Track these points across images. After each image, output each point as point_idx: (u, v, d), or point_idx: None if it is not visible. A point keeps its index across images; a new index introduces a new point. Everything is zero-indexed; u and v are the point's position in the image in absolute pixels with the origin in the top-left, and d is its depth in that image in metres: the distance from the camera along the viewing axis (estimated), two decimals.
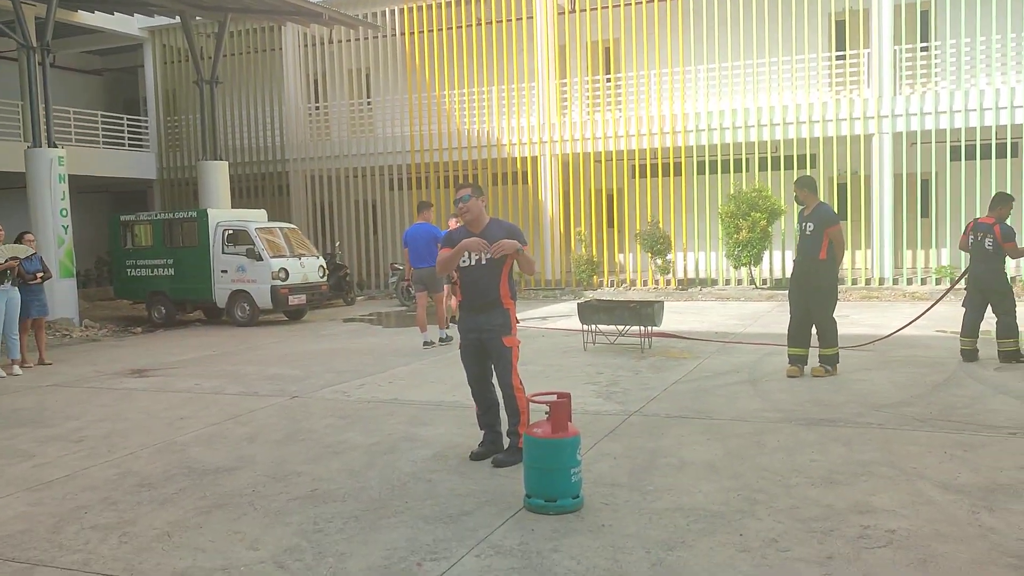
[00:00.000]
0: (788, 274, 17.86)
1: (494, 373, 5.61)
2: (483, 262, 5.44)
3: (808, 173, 17.74)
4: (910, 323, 10.28)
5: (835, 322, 8.28)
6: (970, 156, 16.71)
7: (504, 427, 5.67)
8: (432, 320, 11.29)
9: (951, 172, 17.57)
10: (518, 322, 5.65)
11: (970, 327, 8.77)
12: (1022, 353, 8.48)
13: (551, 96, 19.36)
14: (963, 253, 9.42)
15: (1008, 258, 8.82)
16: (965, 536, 4.05)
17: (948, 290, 10.50)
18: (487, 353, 5.56)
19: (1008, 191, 15.99)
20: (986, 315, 8.80)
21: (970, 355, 8.76)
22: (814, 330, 8.28)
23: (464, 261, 5.52)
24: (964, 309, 8.86)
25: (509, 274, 5.55)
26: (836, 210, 18.47)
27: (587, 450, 5.55)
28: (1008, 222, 8.64)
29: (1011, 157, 16.16)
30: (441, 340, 11.11)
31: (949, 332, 10.87)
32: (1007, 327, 8.54)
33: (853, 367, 8.64)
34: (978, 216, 9.85)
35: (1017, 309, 8.56)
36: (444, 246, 5.61)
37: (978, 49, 16.55)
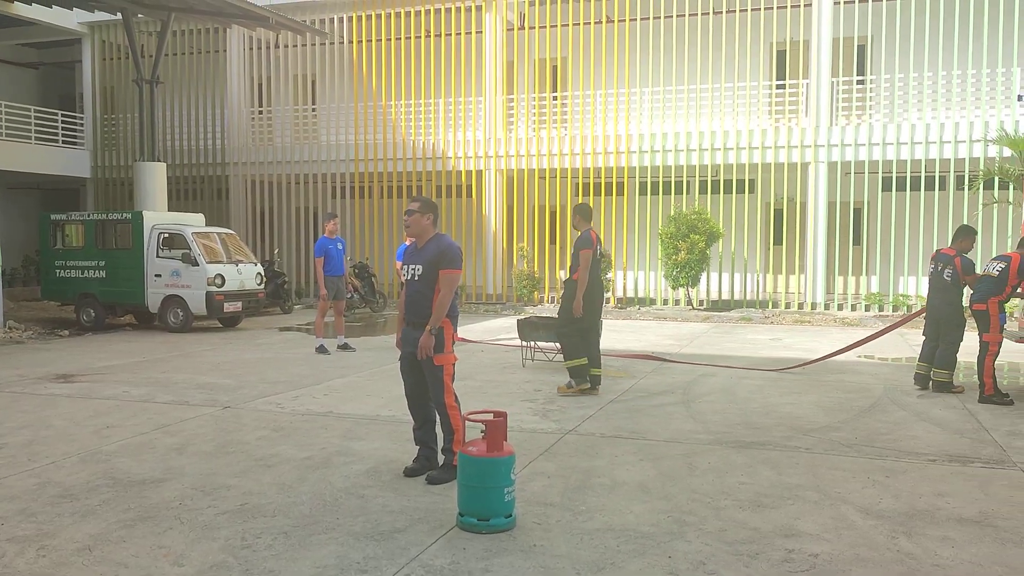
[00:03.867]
0: (725, 296, 18.27)
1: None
2: (415, 278, 5.49)
3: (745, 198, 18.21)
4: (855, 345, 10.51)
5: (580, 342, 8.51)
6: (901, 187, 17.29)
7: (440, 444, 5.66)
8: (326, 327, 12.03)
9: (883, 202, 18.18)
10: (455, 340, 5.62)
11: (926, 355, 8.95)
12: (954, 385, 8.69)
13: (497, 111, 19.45)
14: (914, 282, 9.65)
15: (966, 290, 9.01)
16: (884, 560, 4.17)
17: (906, 319, 10.70)
18: (420, 369, 5.57)
19: (937, 222, 16.66)
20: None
21: (922, 380, 8.94)
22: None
23: (404, 274, 5.57)
24: (924, 338, 9.05)
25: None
26: (771, 235, 19.10)
27: (521, 469, 5.57)
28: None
29: (939, 190, 16.75)
30: (340, 347, 11.75)
31: (877, 358, 11.21)
32: (945, 358, 8.72)
33: (783, 390, 8.84)
34: (939, 247, 10.11)
35: (961, 344, 8.75)
36: (400, 260, 5.64)
37: (911, 84, 17.17)
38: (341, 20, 20.56)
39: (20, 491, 5.25)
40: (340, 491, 5.25)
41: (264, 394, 8.54)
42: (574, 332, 8.54)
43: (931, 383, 8.81)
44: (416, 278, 5.49)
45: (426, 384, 5.60)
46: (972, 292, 8.63)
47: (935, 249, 9.46)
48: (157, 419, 7.35)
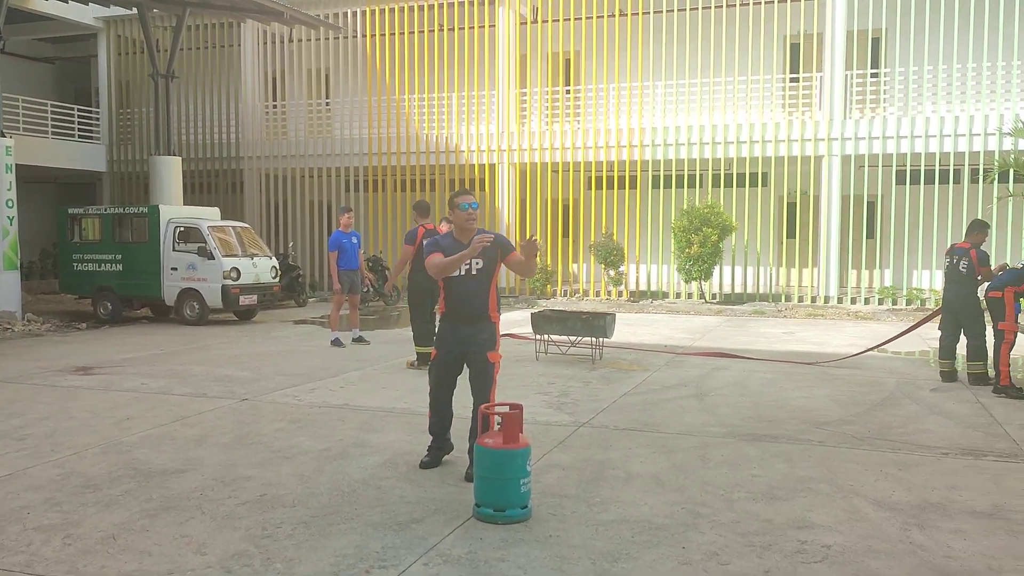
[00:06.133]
0: (737, 289, 18.26)
1: (470, 387, 5.42)
2: (473, 272, 5.30)
3: (758, 191, 18.16)
4: (887, 342, 10.55)
5: (431, 328, 8.99)
6: (915, 181, 17.22)
7: (458, 443, 5.70)
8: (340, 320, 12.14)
9: (896, 195, 18.10)
10: (501, 336, 5.53)
11: (947, 349, 9.00)
12: (990, 377, 8.65)
13: (511, 105, 19.47)
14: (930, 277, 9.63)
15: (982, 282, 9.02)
16: (896, 552, 4.21)
17: (934, 314, 10.56)
18: (463, 367, 5.44)
19: (951, 216, 16.59)
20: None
21: (949, 376, 8.94)
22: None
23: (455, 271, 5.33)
24: (940, 332, 9.10)
25: (496, 287, 5.45)
26: (785, 228, 19.05)
27: (537, 461, 5.63)
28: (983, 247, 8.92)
29: (953, 183, 16.68)
30: (355, 340, 11.74)
31: (890, 352, 11.20)
32: (976, 350, 8.78)
33: (796, 384, 8.86)
34: (953, 242, 10.12)
35: (987, 333, 8.79)
36: (433, 251, 5.32)
37: (925, 78, 17.08)
38: (355, 14, 20.61)
39: (44, 481, 5.36)
40: (357, 482, 5.33)
41: (281, 387, 8.63)
42: (420, 319, 9.40)
43: (968, 375, 8.84)
44: (475, 272, 5.28)
45: (456, 383, 5.51)
46: (990, 281, 8.67)
47: (949, 244, 9.45)
48: (176, 411, 7.45)
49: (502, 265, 5.41)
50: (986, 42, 16.85)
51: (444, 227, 9.30)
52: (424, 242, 5.74)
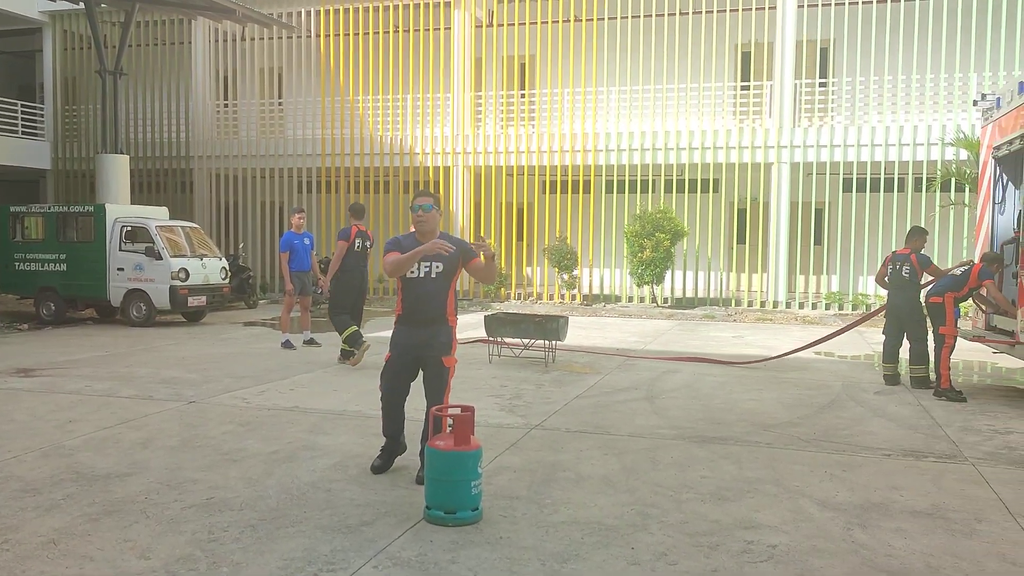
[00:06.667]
0: (689, 293, 18.48)
1: (424, 390, 5.35)
2: (432, 275, 5.23)
3: (709, 197, 18.40)
4: (818, 342, 10.78)
5: (348, 319, 9.97)
6: (861, 188, 17.64)
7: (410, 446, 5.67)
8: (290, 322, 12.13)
9: (843, 203, 18.50)
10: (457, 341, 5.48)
11: (890, 353, 9.23)
12: (931, 380, 8.88)
13: (465, 108, 19.47)
14: (875, 285, 9.85)
15: (925, 286, 9.23)
16: (839, 551, 4.30)
17: (865, 317, 10.87)
18: (418, 371, 5.38)
19: (896, 223, 16.99)
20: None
21: (892, 379, 9.17)
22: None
23: (412, 272, 5.24)
24: (883, 336, 9.32)
25: (455, 291, 5.40)
26: (735, 234, 19.34)
27: (488, 463, 5.63)
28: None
29: (898, 191, 17.09)
30: (306, 343, 11.75)
31: (836, 356, 11.44)
32: (918, 354, 9.01)
33: (745, 387, 9.00)
34: (894, 249, 10.39)
35: (928, 337, 9.01)
36: (391, 250, 5.26)
37: (872, 88, 17.49)
38: (309, 14, 20.44)
39: None
40: (307, 485, 5.27)
41: (229, 389, 8.51)
42: (340, 312, 10.03)
43: (910, 379, 9.05)
44: (434, 275, 5.21)
45: (409, 388, 5.47)
46: (931, 287, 8.93)
47: (891, 251, 9.71)
48: (121, 414, 7.30)
49: (463, 271, 5.37)
50: (930, 54, 17.32)
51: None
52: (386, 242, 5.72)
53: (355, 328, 9.95)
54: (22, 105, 20.83)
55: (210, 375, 9.34)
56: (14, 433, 6.57)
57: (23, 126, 20.93)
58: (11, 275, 15.55)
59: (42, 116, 21.69)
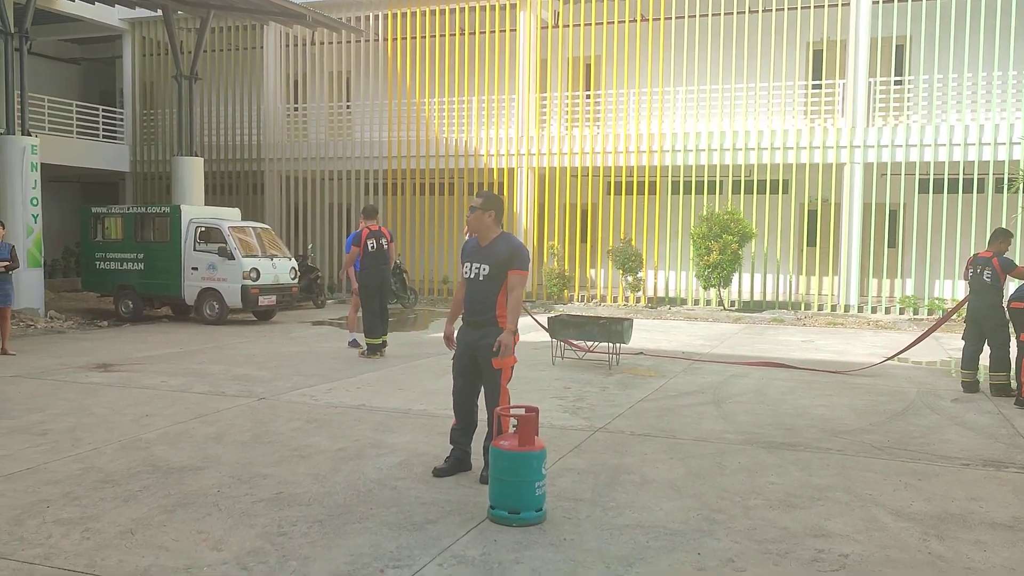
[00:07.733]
0: (756, 297, 18.17)
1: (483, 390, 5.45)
2: (480, 277, 5.31)
3: (779, 198, 18.06)
4: (905, 349, 10.50)
5: (379, 322, 10.53)
6: (937, 189, 17.10)
7: (474, 446, 5.65)
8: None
9: (919, 204, 17.96)
10: (517, 341, 5.45)
11: (969, 359, 8.91)
12: (1013, 388, 8.55)
13: (530, 109, 19.49)
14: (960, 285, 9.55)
15: (1008, 291, 8.92)
16: (915, 563, 4.17)
17: (946, 317, 10.49)
18: (479, 369, 5.43)
19: (975, 225, 16.44)
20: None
21: (971, 387, 8.85)
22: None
23: (466, 273, 5.40)
24: (963, 342, 9.02)
25: (506, 292, 5.37)
26: (805, 236, 18.93)
27: (552, 464, 5.61)
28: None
29: (976, 192, 16.53)
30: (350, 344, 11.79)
31: (911, 362, 11.10)
32: (999, 360, 8.68)
33: (815, 393, 8.80)
34: (975, 252, 10.03)
35: (1010, 344, 8.69)
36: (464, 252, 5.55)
37: (950, 86, 16.95)
38: (377, 18, 20.72)
39: (64, 476, 5.40)
40: (373, 482, 5.34)
41: (298, 386, 8.67)
42: (368, 312, 10.50)
43: (990, 387, 8.73)
44: (482, 277, 5.30)
45: (477, 387, 5.51)
46: (1014, 291, 8.59)
47: (972, 254, 9.36)
48: (194, 408, 7.50)
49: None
50: (1012, 50, 16.70)
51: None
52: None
53: (379, 342, 10.64)
54: (103, 110, 21.59)
55: (279, 372, 9.53)
56: (94, 426, 6.81)
57: (104, 130, 21.70)
58: (92, 273, 16.13)
59: (122, 120, 22.45)
